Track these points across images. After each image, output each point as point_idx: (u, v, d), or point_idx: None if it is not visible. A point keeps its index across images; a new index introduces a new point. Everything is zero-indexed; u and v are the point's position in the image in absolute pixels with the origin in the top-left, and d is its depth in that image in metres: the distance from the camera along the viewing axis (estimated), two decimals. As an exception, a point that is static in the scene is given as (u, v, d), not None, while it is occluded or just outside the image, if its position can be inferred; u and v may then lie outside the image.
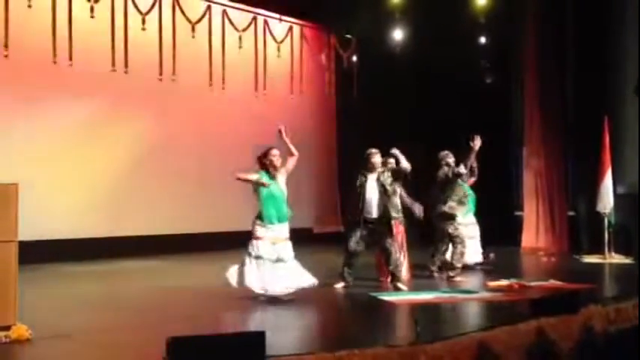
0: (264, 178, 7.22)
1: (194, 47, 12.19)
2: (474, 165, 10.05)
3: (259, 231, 7.18)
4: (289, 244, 7.31)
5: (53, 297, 7.72)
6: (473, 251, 10.02)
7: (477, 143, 9.10)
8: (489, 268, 9.87)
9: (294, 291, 7.19)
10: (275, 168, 7.30)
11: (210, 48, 12.44)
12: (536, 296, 6.66)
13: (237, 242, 8.23)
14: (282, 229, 7.28)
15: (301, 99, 14.30)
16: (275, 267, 7.10)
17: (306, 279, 7.28)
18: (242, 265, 7.18)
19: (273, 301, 7.08)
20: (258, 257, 7.09)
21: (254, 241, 7.17)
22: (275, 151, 7.36)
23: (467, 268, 9.74)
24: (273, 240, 7.17)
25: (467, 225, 10.06)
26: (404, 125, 14.17)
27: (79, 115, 11.65)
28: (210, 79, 12.45)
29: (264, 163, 7.34)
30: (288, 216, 7.35)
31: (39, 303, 6.87)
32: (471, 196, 10.21)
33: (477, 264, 10.02)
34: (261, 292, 7.09)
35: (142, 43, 11.43)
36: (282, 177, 7.36)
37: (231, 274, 7.21)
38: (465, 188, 9.88)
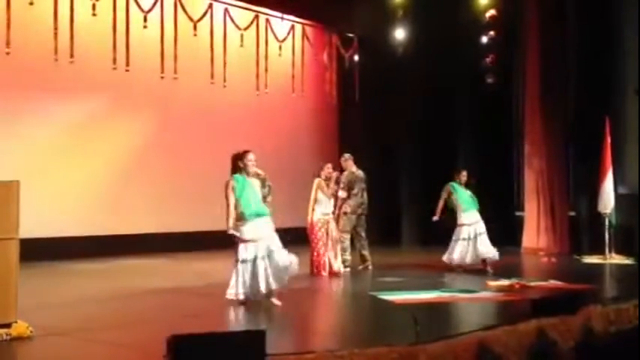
0: (238, 184, 6.92)
1: (196, 45, 12.18)
2: None
3: (242, 233, 6.87)
4: (275, 237, 6.94)
5: (54, 295, 7.72)
6: (484, 247, 9.86)
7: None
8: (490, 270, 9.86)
9: (276, 288, 6.89)
10: (248, 174, 7.00)
11: (211, 46, 12.44)
12: (537, 296, 6.66)
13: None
14: (266, 225, 6.97)
15: (302, 98, 14.29)
16: (261, 265, 6.81)
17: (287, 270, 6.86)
18: (236, 275, 6.88)
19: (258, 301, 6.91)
20: (244, 261, 6.82)
21: (241, 245, 6.87)
22: (251, 156, 7.05)
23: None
24: (259, 237, 6.88)
25: (476, 222, 9.98)
26: (405, 124, 14.18)
27: (80, 113, 11.65)
28: (212, 77, 12.44)
29: (238, 165, 7.02)
30: (268, 212, 7.03)
31: (40, 300, 6.87)
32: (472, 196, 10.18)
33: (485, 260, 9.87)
34: (244, 297, 6.83)
35: (143, 41, 11.42)
36: (255, 181, 7.07)
37: (232, 291, 6.87)
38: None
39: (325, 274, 9.21)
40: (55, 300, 7.31)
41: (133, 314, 6.64)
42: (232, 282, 6.88)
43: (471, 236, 9.86)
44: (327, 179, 9.47)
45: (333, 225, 9.53)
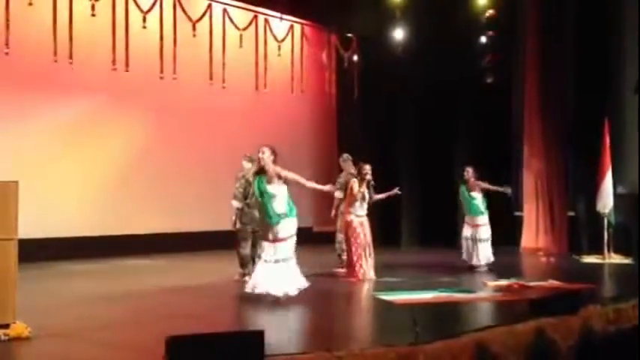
0: (262, 186, 7.05)
1: (195, 46, 12.18)
2: None
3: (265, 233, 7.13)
4: (290, 242, 7.12)
5: (52, 295, 7.72)
6: (483, 253, 9.96)
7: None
8: (488, 270, 9.86)
9: (291, 293, 7.05)
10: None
11: (210, 46, 12.44)
12: (536, 296, 6.66)
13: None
14: (285, 227, 7.08)
15: (302, 98, 14.29)
16: (274, 267, 6.98)
17: (299, 281, 7.14)
18: (255, 270, 7.19)
19: (274, 301, 7.01)
20: (265, 260, 7.01)
21: (264, 244, 7.13)
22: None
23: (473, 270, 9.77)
24: (273, 239, 7.03)
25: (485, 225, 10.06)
26: (403, 124, 14.18)
27: (80, 114, 11.64)
28: (211, 77, 12.44)
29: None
30: (293, 213, 7.17)
31: (38, 301, 6.87)
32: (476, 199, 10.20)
33: (483, 266, 9.94)
34: (263, 292, 6.98)
35: (142, 41, 11.42)
36: (278, 180, 7.13)
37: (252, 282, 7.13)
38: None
39: (361, 278, 8.86)
40: (53, 300, 7.30)
41: (131, 315, 6.63)
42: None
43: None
44: (363, 180, 9.11)
45: (367, 225, 9.21)
